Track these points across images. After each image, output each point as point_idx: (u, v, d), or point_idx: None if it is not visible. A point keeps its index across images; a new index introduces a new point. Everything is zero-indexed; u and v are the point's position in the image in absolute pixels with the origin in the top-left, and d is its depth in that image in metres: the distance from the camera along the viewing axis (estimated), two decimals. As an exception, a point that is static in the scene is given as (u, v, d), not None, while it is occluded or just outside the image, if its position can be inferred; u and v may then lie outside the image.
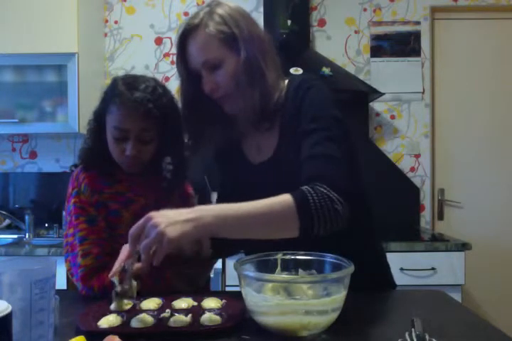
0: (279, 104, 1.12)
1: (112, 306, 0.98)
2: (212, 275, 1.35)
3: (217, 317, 0.91)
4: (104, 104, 1.22)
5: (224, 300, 1.02)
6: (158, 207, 1.25)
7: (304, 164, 1.02)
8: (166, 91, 1.23)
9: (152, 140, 1.21)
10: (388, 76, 2.93)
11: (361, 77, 2.90)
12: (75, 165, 1.29)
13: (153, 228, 0.87)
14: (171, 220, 0.88)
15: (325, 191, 0.94)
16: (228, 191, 1.29)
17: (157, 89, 1.21)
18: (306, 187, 0.95)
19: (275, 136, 1.14)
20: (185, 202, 1.36)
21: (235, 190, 1.24)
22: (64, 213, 1.25)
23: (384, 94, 2.72)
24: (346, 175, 1.00)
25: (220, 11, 1.08)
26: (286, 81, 1.16)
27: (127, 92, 1.17)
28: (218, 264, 2.19)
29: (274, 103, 1.11)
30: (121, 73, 2.89)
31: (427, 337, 0.78)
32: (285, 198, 0.94)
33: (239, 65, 1.06)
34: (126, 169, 1.25)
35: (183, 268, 1.20)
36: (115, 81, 1.22)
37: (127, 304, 1.00)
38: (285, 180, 1.10)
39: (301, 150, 1.04)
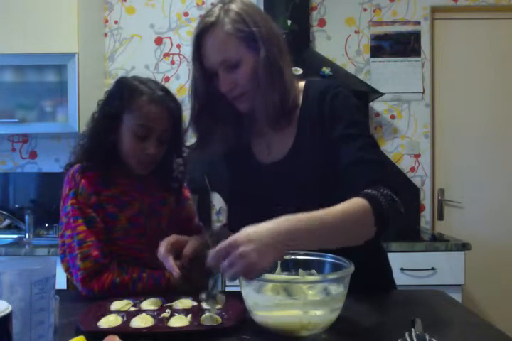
0: (296, 103, 1.12)
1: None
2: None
3: (218, 317, 0.91)
4: (122, 102, 1.19)
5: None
6: (152, 213, 1.25)
7: (355, 168, 1.02)
8: (171, 93, 1.26)
9: (167, 140, 1.22)
10: (388, 76, 2.93)
11: (361, 77, 2.89)
12: (70, 164, 1.25)
13: (240, 259, 0.79)
14: (262, 247, 0.80)
15: (390, 193, 0.97)
16: (236, 190, 1.27)
17: (168, 90, 1.23)
18: (373, 190, 0.96)
19: (290, 136, 1.13)
20: (181, 205, 1.36)
21: (242, 190, 1.23)
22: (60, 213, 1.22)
23: (384, 94, 2.72)
24: (396, 179, 1.02)
25: (235, 7, 1.05)
26: (302, 82, 1.16)
27: (151, 91, 1.18)
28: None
29: (292, 101, 1.11)
30: (121, 73, 2.90)
31: (427, 337, 0.78)
32: (361, 203, 0.93)
33: (258, 64, 1.05)
34: (141, 169, 1.23)
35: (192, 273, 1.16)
36: (126, 80, 1.22)
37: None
38: (297, 180, 1.10)
39: (341, 153, 1.05)
